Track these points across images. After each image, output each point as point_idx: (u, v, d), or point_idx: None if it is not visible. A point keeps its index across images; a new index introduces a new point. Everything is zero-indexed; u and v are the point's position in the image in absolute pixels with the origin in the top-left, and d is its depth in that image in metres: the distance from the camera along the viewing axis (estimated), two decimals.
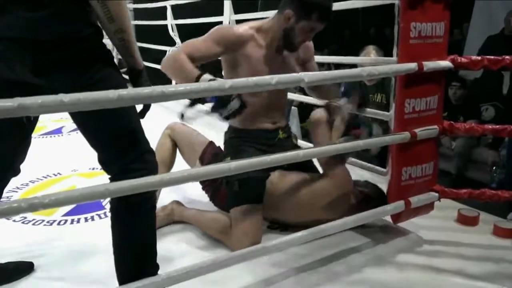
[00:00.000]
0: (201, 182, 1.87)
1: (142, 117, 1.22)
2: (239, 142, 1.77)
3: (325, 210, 1.66)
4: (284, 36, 1.65)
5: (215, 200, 1.83)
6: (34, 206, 0.92)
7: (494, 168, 3.55)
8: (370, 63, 2.19)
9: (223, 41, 1.63)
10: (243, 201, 1.64)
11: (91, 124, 1.14)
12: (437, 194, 1.68)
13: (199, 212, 1.78)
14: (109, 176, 1.16)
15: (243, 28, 1.67)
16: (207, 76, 1.45)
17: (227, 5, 3.32)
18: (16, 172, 1.36)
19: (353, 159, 2.47)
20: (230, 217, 1.67)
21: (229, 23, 3.34)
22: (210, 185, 1.81)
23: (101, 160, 1.17)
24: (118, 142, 1.14)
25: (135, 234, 1.16)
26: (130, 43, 1.12)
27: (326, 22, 1.62)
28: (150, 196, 1.17)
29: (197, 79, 1.45)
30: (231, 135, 1.83)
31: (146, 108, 1.23)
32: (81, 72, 1.08)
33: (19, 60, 1.06)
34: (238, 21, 3.36)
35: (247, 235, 1.59)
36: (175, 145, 1.93)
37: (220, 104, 1.48)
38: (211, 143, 1.91)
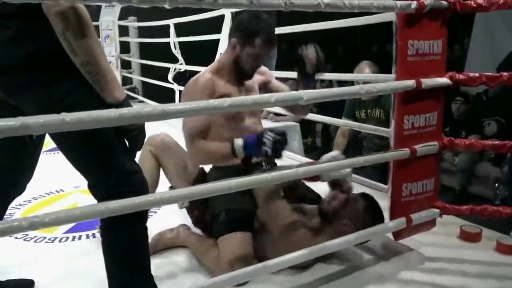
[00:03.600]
0: (192, 219, 1.79)
1: (134, 155, 1.17)
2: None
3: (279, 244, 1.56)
4: (235, 66, 1.69)
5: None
6: (34, 224, 0.93)
7: (497, 184, 3.53)
8: (369, 80, 2.21)
9: (205, 93, 1.63)
10: (230, 229, 1.58)
11: (68, 148, 1.12)
12: (438, 211, 1.68)
13: (199, 241, 1.72)
14: (97, 201, 1.12)
15: (203, 78, 1.68)
16: (238, 141, 1.52)
17: (227, 24, 3.37)
18: (20, 190, 1.37)
19: (355, 176, 2.48)
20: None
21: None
22: (200, 222, 1.76)
23: (88, 185, 1.14)
24: (98, 165, 1.11)
25: (126, 256, 1.14)
26: (99, 76, 1.03)
27: (270, 46, 1.66)
28: (142, 218, 1.15)
29: (232, 151, 1.53)
30: (216, 174, 1.74)
31: (133, 144, 1.15)
32: (48, 95, 1.04)
33: None
34: None
35: (235, 267, 1.45)
36: (158, 164, 1.81)
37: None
38: (203, 173, 1.80)
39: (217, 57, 3.30)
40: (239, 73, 1.71)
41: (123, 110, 0.99)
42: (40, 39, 1.03)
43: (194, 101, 1.55)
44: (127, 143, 1.15)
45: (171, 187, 1.81)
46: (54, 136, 1.09)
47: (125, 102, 1.08)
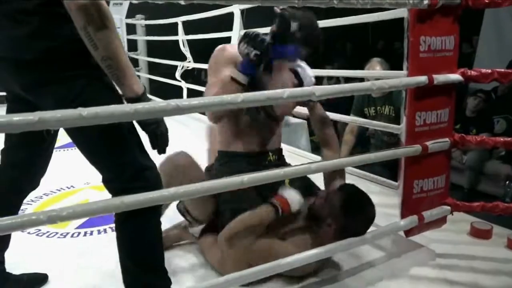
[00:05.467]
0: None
1: (161, 149, 1.16)
2: (230, 165, 1.71)
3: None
4: None
5: None
6: (52, 218, 0.94)
7: (507, 182, 3.51)
8: (379, 77, 2.20)
9: (229, 62, 1.64)
10: None
11: (84, 143, 1.13)
12: (449, 208, 1.67)
13: (202, 237, 1.70)
14: (111, 196, 1.13)
15: (232, 46, 1.68)
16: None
17: (237, 21, 3.38)
18: (35, 185, 1.39)
19: (363, 172, 2.47)
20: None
21: (238, 38, 3.40)
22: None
23: (103, 179, 1.15)
24: (113, 160, 1.11)
25: (141, 250, 1.15)
26: (119, 70, 1.03)
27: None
28: (156, 213, 1.16)
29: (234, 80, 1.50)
30: (221, 160, 1.76)
31: (152, 137, 1.14)
32: (65, 90, 1.06)
33: (8, 77, 1.10)
34: None
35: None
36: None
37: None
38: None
39: None
40: None
41: (138, 105, 1.00)
42: (58, 35, 1.04)
43: (219, 68, 1.61)
44: (148, 138, 1.14)
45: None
46: (70, 131, 1.10)
47: (143, 96, 1.09)
